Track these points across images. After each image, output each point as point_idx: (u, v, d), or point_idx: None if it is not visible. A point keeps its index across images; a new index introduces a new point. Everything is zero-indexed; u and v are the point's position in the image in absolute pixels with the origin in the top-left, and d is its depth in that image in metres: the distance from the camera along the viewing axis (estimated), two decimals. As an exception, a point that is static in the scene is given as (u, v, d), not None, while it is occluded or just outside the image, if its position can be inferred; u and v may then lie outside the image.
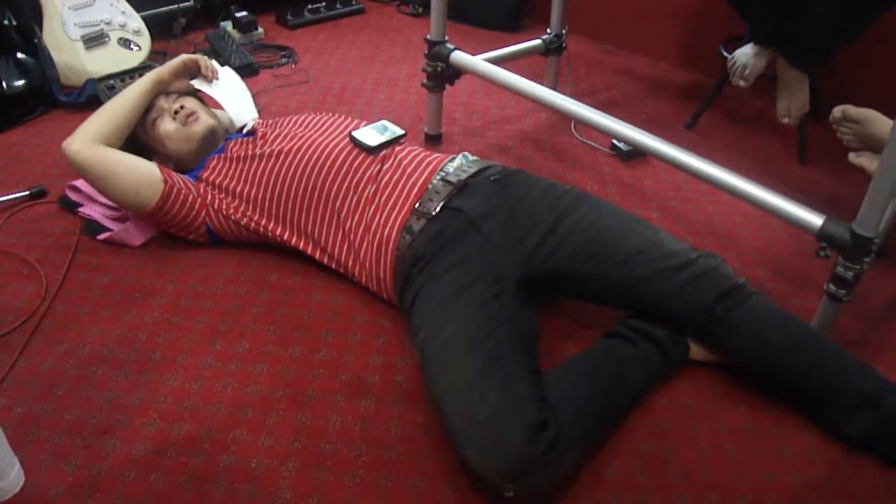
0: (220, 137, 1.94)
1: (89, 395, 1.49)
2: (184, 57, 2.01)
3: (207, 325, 1.68)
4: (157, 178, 1.80)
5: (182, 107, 1.93)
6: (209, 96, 2.06)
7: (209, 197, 1.82)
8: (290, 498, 1.30)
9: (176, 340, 1.64)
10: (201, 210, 1.82)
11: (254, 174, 1.78)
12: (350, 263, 1.72)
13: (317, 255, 1.77)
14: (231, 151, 1.83)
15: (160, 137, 1.91)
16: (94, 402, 1.48)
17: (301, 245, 1.78)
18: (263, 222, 1.79)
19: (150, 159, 1.88)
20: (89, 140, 1.81)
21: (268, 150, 1.78)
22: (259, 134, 1.85)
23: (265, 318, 1.71)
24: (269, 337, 1.65)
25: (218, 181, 1.82)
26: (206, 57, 2.06)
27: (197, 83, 2.04)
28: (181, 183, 1.82)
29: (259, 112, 2.21)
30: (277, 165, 1.75)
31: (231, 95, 2.09)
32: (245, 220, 1.80)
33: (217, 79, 2.06)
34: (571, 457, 1.30)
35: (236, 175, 1.80)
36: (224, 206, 1.81)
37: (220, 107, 2.07)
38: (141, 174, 1.81)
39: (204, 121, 1.93)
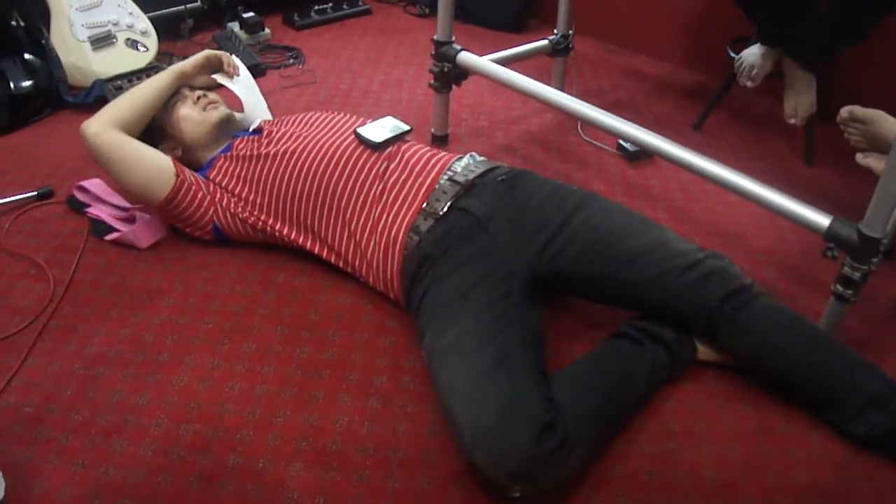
0: (231, 131, 1.95)
1: (97, 395, 1.50)
2: (207, 52, 2.04)
3: (215, 326, 1.68)
4: (171, 171, 1.81)
5: (206, 95, 1.98)
6: (230, 93, 2.07)
7: (218, 195, 1.82)
8: (298, 498, 1.30)
9: (183, 341, 1.64)
10: (210, 207, 1.83)
11: (260, 175, 1.78)
12: (357, 263, 1.72)
13: (324, 254, 1.78)
14: (237, 150, 1.84)
15: (176, 119, 1.93)
16: (101, 402, 1.48)
17: (308, 244, 1.78)
18: (271, 222, 1.80)
19: (158, 142, 1.91)
20: (109, 124, 1.84)
21: (273, 150, 1.78)
22: (265, 133, 1.85)
23: (272, 318, 1.71)
24: (277, 337, 1.66)
25: (225, 182, 1.82)
26: (228, 53, 2.08)
27: (219, 78, 2.06)
28: (192, 178, 1.83)
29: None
30: (283, 165, 1.75)
31: (250, 93, 2.11)
32: (252, 219, 1.80)
33: (238, 75, 2.08)
34: (578, 457, 1.30)
35: (243, 176, 1.80)
36: (232, 205, 1.81)
37: (239, 103, 2.07)
38: (155, 164, 1.82)
39: (222, 110, 1.97)
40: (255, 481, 1.33)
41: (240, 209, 1.81)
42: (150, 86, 1.94)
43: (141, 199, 1.88)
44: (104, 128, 1.83)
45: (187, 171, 1.84)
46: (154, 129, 1.93)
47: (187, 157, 1.93)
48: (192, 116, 1.93)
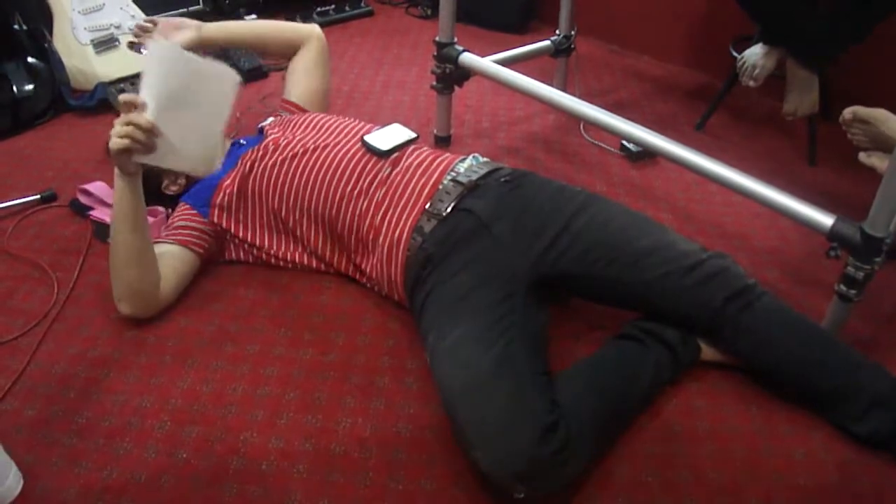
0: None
1: (100, 397, 1.50)
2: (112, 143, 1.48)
3: (218, 328, 1.68)
4: (192, 257, 1.76)
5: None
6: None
7: (228, 235, 1.82)
8: (301, 500, 1.31)
9: (186, 343, 1.64)
10: (225, 249, 1.85)
11: (267, 189, 1.76)
12: (361, 264, 1.73)
13: (321, 268, 1.81)
14: (243, 163, 1.80)
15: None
16: (105, 404, 1.49)
17: (314, 264, 1.81)
18: (274, 250, 1.81)
19: (160, 186, 1.89)
20: (134, 301, 1.66)
21: (280, 158, 1.76)
22: (270, 140, 1.81)
23: (275, 320, 1.71)
24: (280, 339, 1.66)
25: (226, 203, 1.79)
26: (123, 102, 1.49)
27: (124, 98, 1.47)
28: (207, 240, 1.80)
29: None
30: (289, 176, 1.74)
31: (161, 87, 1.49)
32: (264, 256, 1.83)
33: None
34: (581, 458, 1.30)
35: (246, 195, 1.79)
36: (237, 242, 1.83)
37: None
38: (186, 269, 1.76)
39: None
40: (258, 483, 1.33)
41: (245, 247, 1.83)
42: (124, 227, 1.59)
43: None
44: (139, 307, 1.67)
45: (200, 240, 1.78)
46: (150, 180, 1.73)
47: (191, 179, 1.91)
48: None
